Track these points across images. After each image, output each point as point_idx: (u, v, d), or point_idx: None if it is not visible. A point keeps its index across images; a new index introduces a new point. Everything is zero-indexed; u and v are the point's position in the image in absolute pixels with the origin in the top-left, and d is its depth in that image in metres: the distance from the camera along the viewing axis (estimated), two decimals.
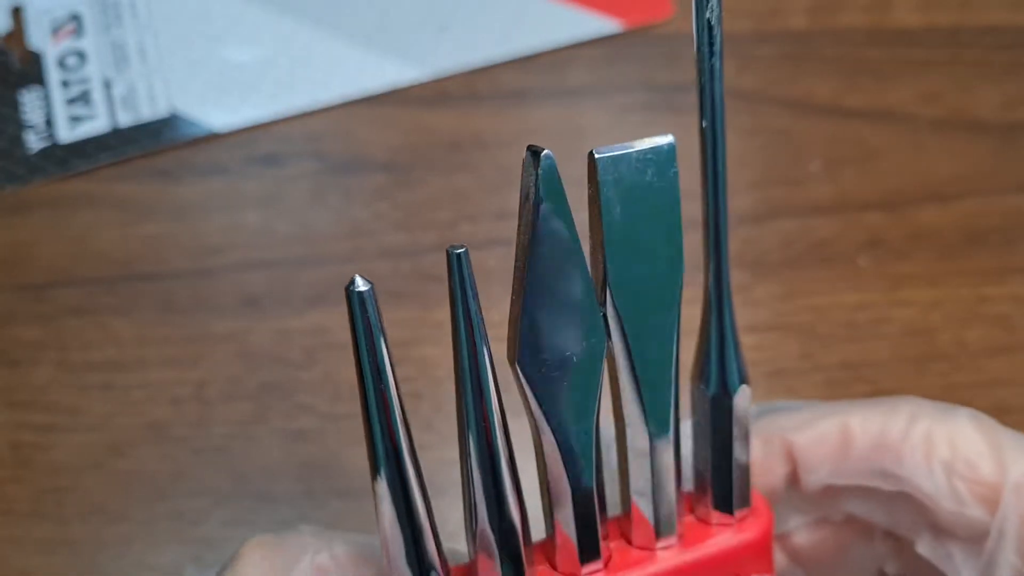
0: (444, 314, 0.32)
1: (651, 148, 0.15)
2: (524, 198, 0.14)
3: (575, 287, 0.15)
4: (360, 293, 0.14)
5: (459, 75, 0.36)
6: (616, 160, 0.14)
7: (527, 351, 0.15)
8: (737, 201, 0.34)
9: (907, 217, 0.34)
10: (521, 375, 0.15)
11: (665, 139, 0.15)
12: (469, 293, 0.14)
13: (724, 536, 0.17)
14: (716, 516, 0.17)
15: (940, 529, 0.18)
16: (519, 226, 0.14)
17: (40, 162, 0.34)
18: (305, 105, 0.35)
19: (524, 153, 0.14)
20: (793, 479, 0.19)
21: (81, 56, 0.36)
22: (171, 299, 0.32)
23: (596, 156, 0.14)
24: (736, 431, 0.17)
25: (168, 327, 0.31)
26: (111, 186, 0.34)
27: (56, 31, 0.37)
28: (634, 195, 0.15)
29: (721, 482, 0.17)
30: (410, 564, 0.15)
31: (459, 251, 0.14)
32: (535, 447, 0.16)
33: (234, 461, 0.29)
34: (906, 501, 0.18)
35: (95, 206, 0.33)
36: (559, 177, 0.14)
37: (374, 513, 0.15)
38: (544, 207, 0.14)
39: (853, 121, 0.36)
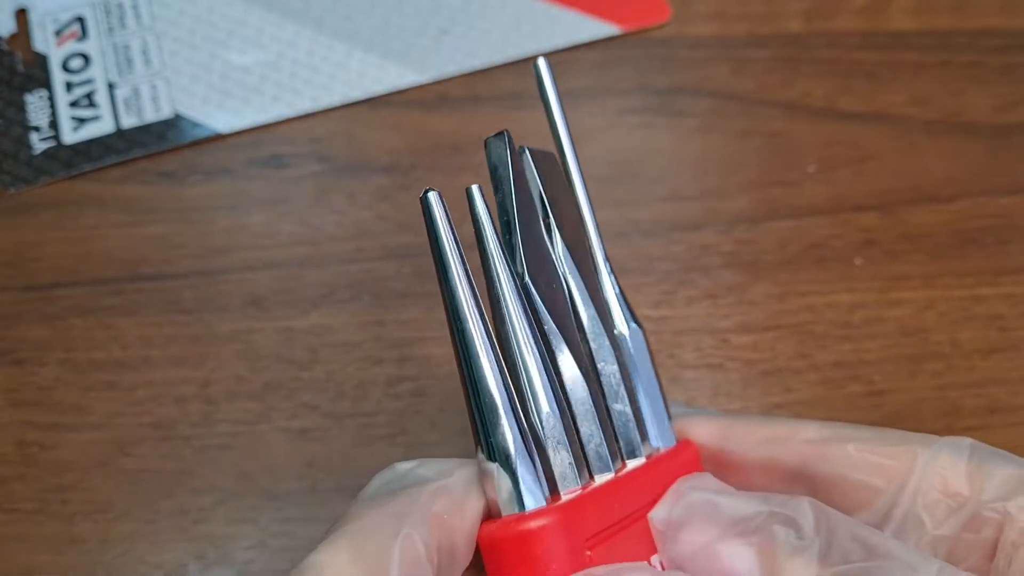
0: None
1: None
2: (498, 167, 0.20)
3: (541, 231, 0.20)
4: (428, 197, 0.18)
5: (459, 78, 0.36)
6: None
7: (532, 271, 0.19)
8: (733, 202, 0.34)
9: (901, 218, 0.34)
10: (533, 290, 0.19)
11: None
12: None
13: (660, 458, 0.20)
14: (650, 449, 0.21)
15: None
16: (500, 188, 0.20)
17: (45, 163, 0.34)
18: (308, 107, 0.35)
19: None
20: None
21: (85, 58, 0.36)
22: (176, 299, 0.32)
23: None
24: (633, 367, 0.20)
25: (173, 327, 0.31)
26: (116, 187, 0.34)
27: (59, 33, 0.37)
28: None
29: (644, 416, 0.20)
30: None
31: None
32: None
33: (238, 459, 0.29)
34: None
35: (100, 207, 0.33)
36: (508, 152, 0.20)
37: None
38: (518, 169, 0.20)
39: (848, 123, 0.36)
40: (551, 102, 0.21)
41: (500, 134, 0.20)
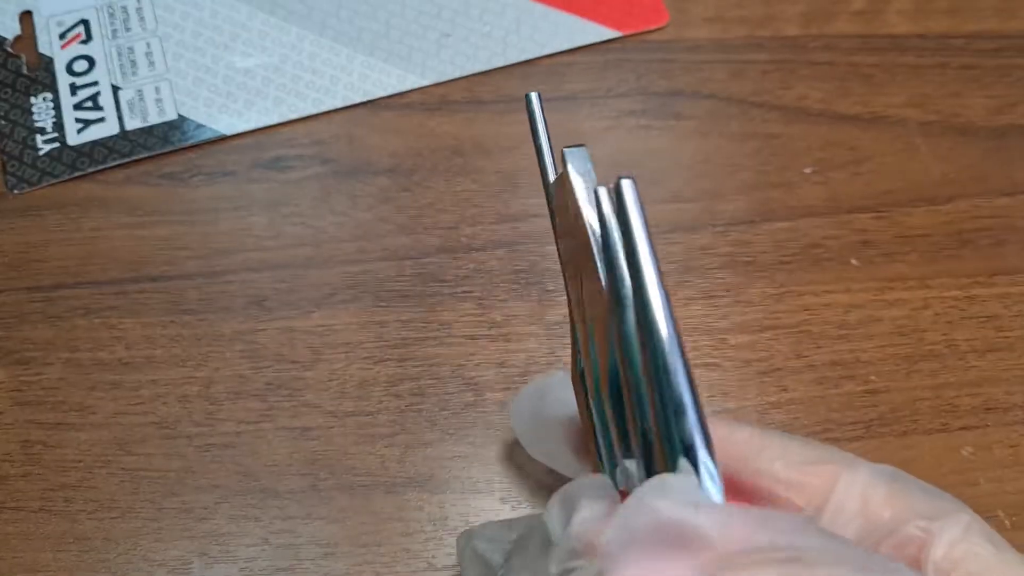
0: (447, 315, 0.32)
1: None
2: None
3: None
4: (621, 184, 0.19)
5: (460, 81, 0.37)
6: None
7: None
8: (731, 204, 0.34)
9: (897, 219, 0.34)
10: None
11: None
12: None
13: None
14: None
15: None
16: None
17: (49, 165, 0.34)
18: (310, 110, 0.36)
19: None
20: None
21: (89, 61, 0.37)
22: (179, 300, 0.32)
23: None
24: None
25: (176, 327, 0.31)
26: (120, 189, 0.34)
27: (64, 36, 0.37)
28: None
29: None
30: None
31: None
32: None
33: (241, 458, 0.29)
34: None
35: (104, 208, 0.34)
36: None
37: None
38: None
39: (845, 125, 0.36)
40: (539, 133, 0.22)
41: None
